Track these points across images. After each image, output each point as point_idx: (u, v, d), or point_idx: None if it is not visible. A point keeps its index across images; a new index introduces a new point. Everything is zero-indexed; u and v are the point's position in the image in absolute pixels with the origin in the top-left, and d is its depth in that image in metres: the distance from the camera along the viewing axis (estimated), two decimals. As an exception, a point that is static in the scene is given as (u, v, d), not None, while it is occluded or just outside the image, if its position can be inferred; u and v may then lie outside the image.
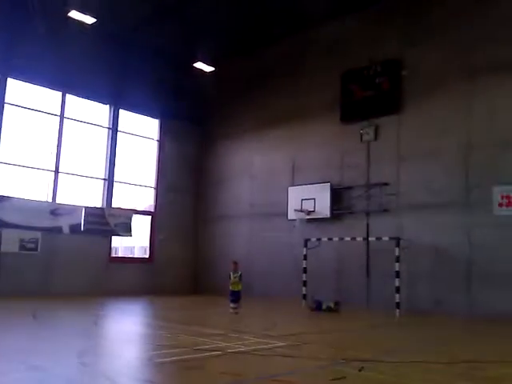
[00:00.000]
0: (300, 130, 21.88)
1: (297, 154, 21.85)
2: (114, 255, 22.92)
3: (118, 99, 23.26)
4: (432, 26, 18.13)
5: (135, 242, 24.33)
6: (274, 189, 22.29)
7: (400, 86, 18.80)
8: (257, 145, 23.59)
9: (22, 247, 19.23)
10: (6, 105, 19.84)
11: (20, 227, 19.13)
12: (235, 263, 14.84)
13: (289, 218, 20.94)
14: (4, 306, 15.34)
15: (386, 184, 18.57)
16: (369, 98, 19.46)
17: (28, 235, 19.38)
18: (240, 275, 14.52)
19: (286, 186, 21.48)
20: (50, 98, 21.33)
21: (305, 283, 18.03)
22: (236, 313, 13.96)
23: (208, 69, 22.27)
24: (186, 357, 7.89)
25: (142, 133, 24.72)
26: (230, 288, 14.37)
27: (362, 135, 19.58)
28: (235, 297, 14.25)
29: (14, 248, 18.98)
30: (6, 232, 18.79)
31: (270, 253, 21.82)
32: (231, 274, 14.53)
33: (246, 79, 24.28)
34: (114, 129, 23.25)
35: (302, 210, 20.21)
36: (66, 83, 21.37)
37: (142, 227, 24.00)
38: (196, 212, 25.73)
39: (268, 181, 22.81)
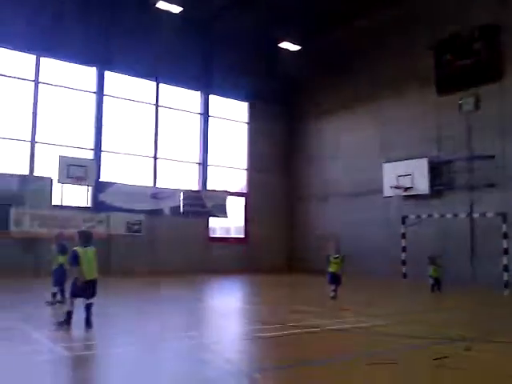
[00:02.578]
0: (392, 104, 21.09)
1: (390, 129, 21.12)
2: (211, 235, 23.79)
3: (207, 85, 23.86)
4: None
5: (231, 223, 25.09)
6: (367, 166, 21.75)
7: (500, 51, 17.38)
8: (347, 122, 23.12)
9: (129, 229, 20.59)
10: (105, 97, 21.13)
11: (126, 211, 20.47)
12: (335, 242, 13.44)
13: (384, 195, 20.39)
14: (114, 285, 16.47)
15: (491, 157, 17.37)
16: (466, 67, 18.22)
17: (133, 218, 20.70)
18: (343, 257, 13.12)
19: (380, 162, 20.87)
20: (144, 88, 22.39)
21: (404, 262, 17.51)
22: (334, 297, 12.66)
23: (294, 48, 22.09)
24: (282, 333, 8.05)
25: (231, 116, 25.19)
26: (330, 270, 12.92)
27: (460, 106, 18.44)
28: (335, 279, 12.80)
29: (122, 230, 20.37)
30: (114, 215, 20.20)
31: (366, 231, 21.42)
32: (330, 254, 13.21)
33: (332, 57, 23.74)
34: (205, 114, 23.93)
35: (398, 187, 19.58)
36: (159, 73, 22.28)
37: (236, 208, 24.63)
38: (288, 192, 25.86)
39: (360, 158, 22.29)
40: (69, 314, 8.19)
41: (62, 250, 10.52)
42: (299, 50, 22.22)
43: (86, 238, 8.60)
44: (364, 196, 21.80)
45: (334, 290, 12.76)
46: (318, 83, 24.60)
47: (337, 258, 13.06)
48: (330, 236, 14.32)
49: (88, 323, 8.05)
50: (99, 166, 20.70)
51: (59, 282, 10.45)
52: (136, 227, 20.78)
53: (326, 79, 24.10)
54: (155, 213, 21.38)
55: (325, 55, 24.12)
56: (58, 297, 10.61)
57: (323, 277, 13.76)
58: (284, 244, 25.25)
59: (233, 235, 25.57)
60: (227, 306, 12.42)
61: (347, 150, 22.95)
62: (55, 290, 10.61)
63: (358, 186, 22.18)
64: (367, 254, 20.94)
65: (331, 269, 12.95)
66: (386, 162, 20.66)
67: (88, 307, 8.14)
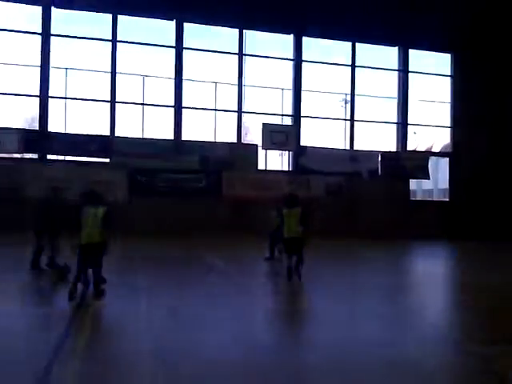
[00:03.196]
0: None
1: None
2: (412, 198, 22.92)
3: (404, 39, 22.50)
4: None
5: (433, 185, 23.81)
6: None
7: None
8: None
9: (328, 191, 21.07)
10: (303, 63, 21.59)
11: (325, 173, 20.93)
12: None
13: None
14: (314, 246, 17.08)
15: None
16: None
17: (332, 180, 21.08)
18: None
19: None
20: (339, 49, 22.23)
21: None
22: None
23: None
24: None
25: (433, 70, 23.47)
26: None
27: None
28: None
29: (321, 192, 20.94)
30: (313, 178, 20.85)
31: None
32: None
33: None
34: (403, 70, 22.74)
35: None
36: (356, 32, 21.76)
37: (439, 169, 23.24)
38: (500, 151, 23.14)
39: None
40: (287, 269, 8.95)
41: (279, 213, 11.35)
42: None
43: (289, 200, 9.28)
44: None
45: None
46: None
47: None
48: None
49: (298, 276, 8.95)
50: (299, 131, 21.45)
51: (275, 240, 11.38)
52: (335, 189, 21.15)
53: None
54: (353, 175, 21.39)
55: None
56: (276, 253, 11.60)
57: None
58: (494, 209, 22.91)
59: (436, 198, 24.31)
60: (435, 272, 11.93)
61: None
62: (273, 247, 11.66)
63: None
64: None
65: None
66: None
67: (295, 262, 9.02)
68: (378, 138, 22.58)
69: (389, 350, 5.08)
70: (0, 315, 6.23)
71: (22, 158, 19.24)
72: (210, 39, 20.89)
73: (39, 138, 18.66)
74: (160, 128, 20.41)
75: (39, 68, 19.08)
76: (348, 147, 22.11)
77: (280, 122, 21.81)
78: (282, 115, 21.88)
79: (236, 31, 21.00)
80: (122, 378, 4.33)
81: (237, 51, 21.05)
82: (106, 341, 5.50)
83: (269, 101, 21.66)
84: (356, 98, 22.27)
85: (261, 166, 21.10)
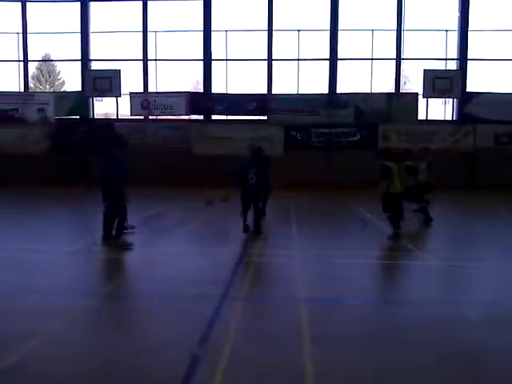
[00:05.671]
0: None
1: None
2: None
3: None
4: None
5: None
6: None
7: None
8: None
9: (497, 141, 19.09)
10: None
11: (494, 122, 18.91)
12: None
13: None
14: (478, 199, 15.64)
15: None
16: None
17: (503, 129, 19.00)
18: None
19: None
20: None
21: None
22: None
23: None
24: None
25: None
26: None
27: None
28: None
29: (489, 143, 19.04)
30: (480, 127, 19.03)
31: None
32: None
33: None
34: None
35: None
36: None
37: None
38: None
39: None
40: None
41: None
42: None
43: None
44: None
45: None
46: None
47: None
48: None
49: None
50: (465, 76, 19.62)
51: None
52: (506, 139, 19.05)
53: None
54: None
55: None
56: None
57: None
58: None
59: None
60: None
61: None
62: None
63: None
64: None
65: None
66: None
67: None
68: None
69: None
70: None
71: (189, 120, 21.00)
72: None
73: (204, 100, 20.16)
74: (315, 83, 20.40)
75: (202, 32, 20.32)
76: (523, 91, 19.57)
77: (443, 68, 20.19)
78: (446, 59, 20.18)
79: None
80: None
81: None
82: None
83: (430, 45, 20.07)
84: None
85: (421, 117, 19.90)
